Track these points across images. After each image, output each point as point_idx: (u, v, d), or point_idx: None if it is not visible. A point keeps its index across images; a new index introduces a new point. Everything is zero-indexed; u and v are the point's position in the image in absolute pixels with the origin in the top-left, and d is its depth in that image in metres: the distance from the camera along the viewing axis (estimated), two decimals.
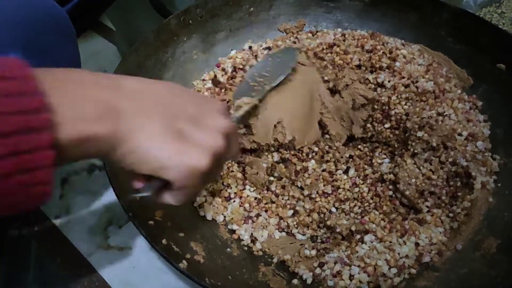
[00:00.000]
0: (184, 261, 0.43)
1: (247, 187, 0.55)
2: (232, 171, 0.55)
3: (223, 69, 0.65)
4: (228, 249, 0.50)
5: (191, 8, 0.63)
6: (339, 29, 0.68)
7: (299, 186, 0.54)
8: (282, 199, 0.54)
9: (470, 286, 0.44)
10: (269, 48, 0.66)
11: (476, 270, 0.45)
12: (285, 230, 0.52)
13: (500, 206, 0.51)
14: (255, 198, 0.54)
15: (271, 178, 0.55)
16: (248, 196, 0.54)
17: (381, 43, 0.63)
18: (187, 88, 0.40)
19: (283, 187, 0.54)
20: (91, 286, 0.52)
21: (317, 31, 0.69)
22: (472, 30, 0.61)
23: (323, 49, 0.63)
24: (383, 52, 0.61)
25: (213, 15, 0.66)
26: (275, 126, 0.54)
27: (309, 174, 0.54)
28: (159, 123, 0.32)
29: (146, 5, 0.70)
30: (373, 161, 0.57)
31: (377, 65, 0.60)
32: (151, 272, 0.53)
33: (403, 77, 0.58)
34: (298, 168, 0.54)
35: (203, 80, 0.65)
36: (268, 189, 0.54)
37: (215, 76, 0.64)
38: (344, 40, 0.64)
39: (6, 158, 0.24)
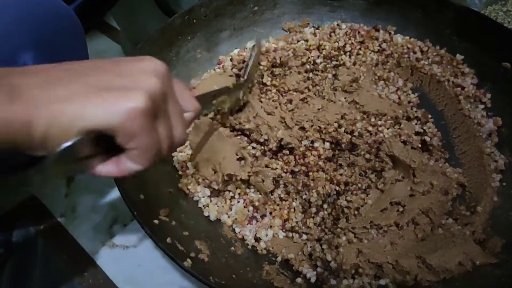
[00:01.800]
0: (188, 260, 0.43)
1: (251, 189, 0.55)
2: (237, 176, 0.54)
3: (223, 67, 0.65)
4: (232, 248, 0.50)
5: (196, 7, 0.63)
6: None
7: (304, 198, 0.53)
8: (287, 202, 0.54)
9: (474, 286, 0.44)
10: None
11: (480, 269, 0.45)
12: (290, 230, 0.52)
13: (505, 205, 0.50)
14: (259, 200, 0.54)
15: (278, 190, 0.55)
16: (252, 198, 0.54)
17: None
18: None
19: (288, 193, 0.54)
20: (96, 284, 0.52)
21: (318, 27, 0.69)
22: (477, 28, 0.61)
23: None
24: None
25: (217, 14, 0.66)
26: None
27: (317, 192, 0.53)
28: (73, 86, 0.28)
29: (150, 4, 0.71)
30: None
31: None
32: (155, 270, 0.53)
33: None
34: (306, 181, 0.54)
35: (204, 79, 0.65)
36: (272, 194, 0.54)
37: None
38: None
39: None
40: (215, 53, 0.67)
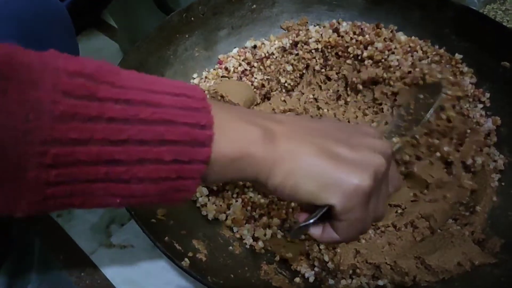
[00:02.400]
0: (186, 259, 0.43)
1: (250, 189, 0.54)
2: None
3: (226, 68, 0.64)
4: (230, 247, 0.50)
5: (194, 5, 0.63)
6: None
7: None
8: (285, 201, 0.53)
9: (473, 286, 0.44)
10: (255, 46, 0.66)
11: (479, 269, 0.45)
12: (288, 229, 0.52)
13: (504, 205, 0.50)
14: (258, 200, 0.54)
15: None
16: (250, 197, 0.54)
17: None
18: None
19: None
20: (94, 284, 0.52)
21: (317, 25, 0.68)
22: (476, 27, 0.61)
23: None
24: None
25: (216, 12, 0.65)
26: None
27: None
28: (312, 145, 0.30)
29: (148, 2, 0.70)
30: None
31: None
32: (153, 270, 0.53)
33: None
34: None
35: (206, 78, 0.64)
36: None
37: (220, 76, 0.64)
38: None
39: (169, 164, 0.25)
40: (213, 52, 0.66)
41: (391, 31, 0.65)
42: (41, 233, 0.57)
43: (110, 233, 0.57)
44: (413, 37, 0.65)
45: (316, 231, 0.32)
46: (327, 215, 0.31)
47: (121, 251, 0.55)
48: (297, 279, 0.47)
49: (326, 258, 0.46)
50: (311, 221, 0.31)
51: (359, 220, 0.31)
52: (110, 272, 0.53)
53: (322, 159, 0.29)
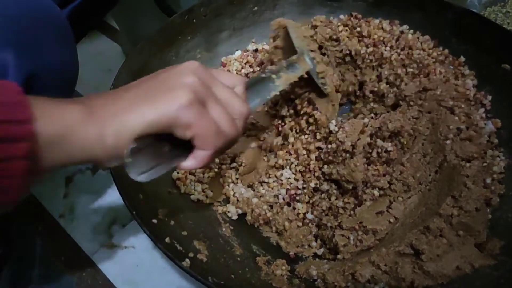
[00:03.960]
0: (187, 260, 0.43)
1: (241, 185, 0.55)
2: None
3: (229, 71, 0.65)
4: (231, 248, 0.50)
5: (195, 7, 0.63)
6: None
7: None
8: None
9: (473, 287, 0.44)
10: (256, 50, 0.66)
11: (479, 271, 0.45)
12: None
13: (504, 207, 0.50)
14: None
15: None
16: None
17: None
18: None
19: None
20: (95, 284, 0.52)
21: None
22: (476, 30, 0.61)
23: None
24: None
25: (217, 14, 0.66)
26: None
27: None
28: (129, 98, 0.33)
29: (150, 4, 0.71)
30: None
31: None
32: (154, 271, 0.53)
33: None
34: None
35: None
36: None
37: None
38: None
39: None
40: (214, 54, 0.67)
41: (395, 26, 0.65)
42: (42, 234, 0.57)
43: (112, 234, 0.57)
44: (422, 36, 0.65)
45: (190, 163, 0.36)
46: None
47: (122, 252, 0.55)
48: (297, 280, 0.47)
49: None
50: (136, 144, 0.32)
51: (208, 126, 0.34)
52: (111, 273, 0.53)
53: (140, 104, 0.32)
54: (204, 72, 0.36)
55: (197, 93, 0.34)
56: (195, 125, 0.33)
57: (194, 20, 0.64)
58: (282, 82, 0.47)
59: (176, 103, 0.32)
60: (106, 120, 0.31)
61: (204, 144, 0.35)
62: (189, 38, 0.64)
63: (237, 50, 0.68)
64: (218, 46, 0.67)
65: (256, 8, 0.68)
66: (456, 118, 0.54)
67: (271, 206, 0.54)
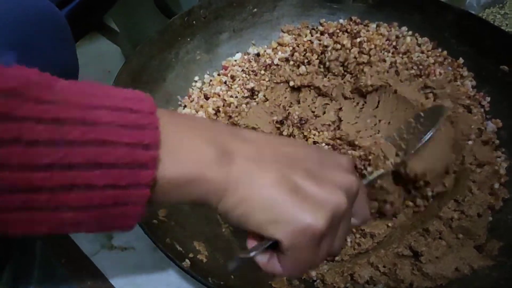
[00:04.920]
0: (187, 260, 0.43)
1: None
2: None
3: (232, 77, 0.65)
4: (231, 249, 0.50)
5: (195, 8, 0.64)
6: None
7: None
8: None
9: None
10: (258, 54, 0.66)
11: (478, 272, 0.45)
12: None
13: (504, 208, 0.50)
14: None
15: None
16: None
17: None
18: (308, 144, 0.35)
19: None
20: (95, 287, 0.52)
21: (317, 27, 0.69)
22: (475, 31, 0.61)
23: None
24: None
25: (217, 16, 0.66)
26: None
27: None
28: (275, 173, 0.28)
29: (150, 5, 0.71)
30: None
31: None
32: (154, 272, 0.53)
33: None
34: None
35: (210, 81, 0.65)
36: None
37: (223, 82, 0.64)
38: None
39: (103, 190, 0.23)
40: (214, 55, 0.67)
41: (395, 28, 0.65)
42: (42, 235, 0.57)
43: (112, 235, 0.57)
44: (421, 38, 0.65)
45: (262, 259, 0.30)
46: (277, 245, 0.28)
47: (122, 253, 0.55)
48: (296, 281, 0.47)
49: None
50: (252, 254, 0.28)
51: (305, 259, 0.28)
52: (112, 274, 0.53)
53: (279, 191, 0.27)
54: (353, 200, 0.31)
55: (331, 224, 0.28)
56: (299, 253, 0.28)
57: (194, 22, 0.64)
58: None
59: (307, 222, 0.27)
60: (237, 182, 0.27)
61: (289, 269, 0.29)
62: (189, 39, 0.64)
63: (237, 52, 0.68)
64: (218, 48, 0.67)
65: (255, 9, 0.68)
66: (475, 117, 0.53)
67: None
